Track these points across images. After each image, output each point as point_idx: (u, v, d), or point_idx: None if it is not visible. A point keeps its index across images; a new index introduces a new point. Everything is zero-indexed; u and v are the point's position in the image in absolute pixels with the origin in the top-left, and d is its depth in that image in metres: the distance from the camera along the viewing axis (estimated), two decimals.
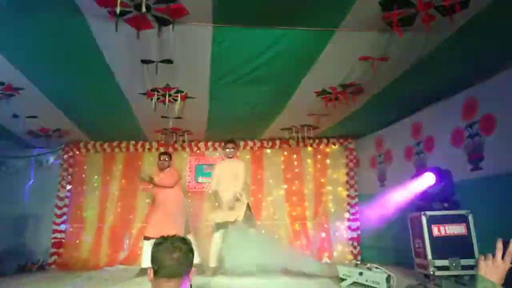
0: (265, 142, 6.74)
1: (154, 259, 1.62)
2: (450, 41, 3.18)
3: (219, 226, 4.93)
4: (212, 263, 4.85)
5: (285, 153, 6.83)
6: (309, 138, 6.35)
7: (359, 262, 4.79)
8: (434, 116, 4.72)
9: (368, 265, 3.96)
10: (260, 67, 3.65)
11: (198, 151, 6.78)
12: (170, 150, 6.43)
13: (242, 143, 6.65)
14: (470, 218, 3.66)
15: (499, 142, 3.71)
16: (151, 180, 5.26)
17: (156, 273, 1.60)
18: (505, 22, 2.92)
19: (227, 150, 5.28)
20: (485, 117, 3.89)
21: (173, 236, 1.69)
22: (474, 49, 3.38)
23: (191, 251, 1.67)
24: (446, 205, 3.84)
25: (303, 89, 4.28)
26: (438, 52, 3.38)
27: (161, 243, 1.64)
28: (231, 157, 5.29)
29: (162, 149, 6.36)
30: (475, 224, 3.62)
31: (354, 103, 4.66)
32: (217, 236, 4.92)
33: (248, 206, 5.05)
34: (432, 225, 3.71)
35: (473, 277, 3.46)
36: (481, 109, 3.94)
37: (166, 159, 5.51)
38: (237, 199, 4.96)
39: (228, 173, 5.16)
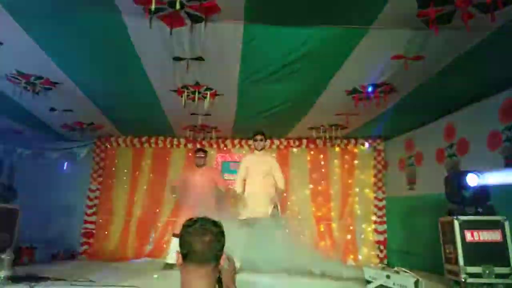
0: (291, 141, 6.72)
1: (183, 243, 1.49)
2: (489, 39, 3.05)
3: (244, 223, 4.83)
4: (237, 261, 4.84)
5: (312, 152, 6.78)
6: (336, 138, 6.27)
7: (385, 266, 4.69)
8: (469, 118, 4.55)
9: (396, 268, 3.87)
10: (290, 65, 3.63)
11: (225, 148, 6.84)
12: (205, 146, 6.46)
13: (268, 142, 6.64)
14: (507, 224, 3.51)
15: None
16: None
17: (185, 258, 1.48)
18: None
19: (256, 142, 5.07)
20: None
21: (203, 218, 1.55)
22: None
23: (222, 234, 1.54)
24: (480, 210, 3.70)
25: (332, 87, 4.23)
26: (475, 51, 3.24)
27: (191, 225, 1.51)
28: (260, 150, 5.10)
29: (198, 146, 6.41)
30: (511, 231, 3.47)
31: (385, 103, 4.56)
32: (242, 233, 4.88)
33: (276, 205, 4.98)
34: (465, 230, 3.59)
35: (508, 286, 3.34)
36: None
37: (202, 156, 5.52)
38: (274, 206, 4.85)
39: (257, 168, 5.01)
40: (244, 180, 5.16)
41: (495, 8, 2.59)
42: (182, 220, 5.06)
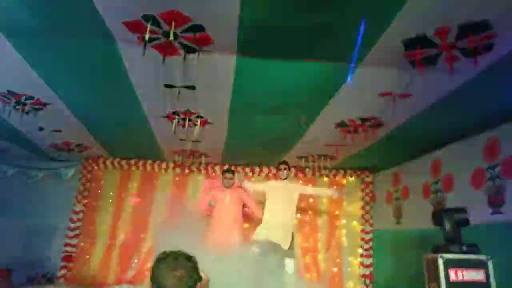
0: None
1: (153, 277, 1.45)
2: (473, 81, 3.15)
3: (257, 245, 4.65)
4: None
5: (300, 182, 6.77)
6: (325, 168, 6.30)
7: None
8: (454, 155, 4.63)
9: None
10: (280, 97, 3.70)
11: (214, 174, 6.80)
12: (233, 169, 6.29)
13: (257, 169, 6.65)
14: (490, 264, 3.50)
15: None
16: None
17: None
18: None
19: (280, 171, 5.19)
20: (507, 160, 3.80)
21: (177, 251, 1.51)
22: (497, 90, 3.34)
23: (195, 270, 1.49)
24: (464, 248, 3.70)
25: (322, 120, 4.29)
26: (460, 91, 3.34)
27: (163, 259, 1.47)
28: (284, 179, 5.17)
29: (225, 167, 6.39)
30: (494, 271, 3.46)
31: (373, 137, 4.63)
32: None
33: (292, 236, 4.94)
34: (449, 269, 3.56)
35: None
36: (503, 151, 3.85)
37: (231, 177, 5.46)
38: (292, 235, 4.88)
39: (279, 195, 5.01)
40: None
41: (478, 53, 2.69)
42: (210, 241, 4.86)
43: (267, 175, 6.74)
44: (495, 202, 3.88)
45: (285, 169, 5.17)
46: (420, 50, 2.75)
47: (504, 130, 3.87)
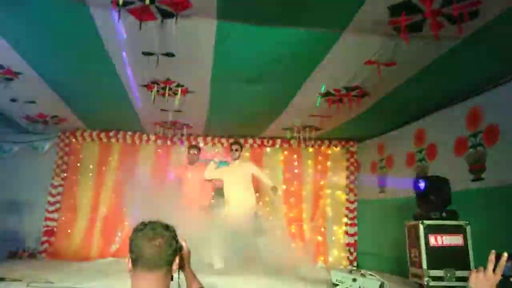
0: (265, 141, 6.67)
1: (132, 247, 1.45)
2: (457, 49, 3.12)
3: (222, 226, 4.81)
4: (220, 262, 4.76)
5: (286, 152, 6.77)
6: (310, 139, 6.28)
7: (354, 268, 4.74)
8: (438, 123, 4.65)
9: (362, 271, 3.90)
10: (263, 66, 3.59)
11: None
12: (199, 144, 6.44)
13: (242, 140, 6.59)
14: (468, 229, 3.60)
15: (502, 154, 3.65)
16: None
17: (135, 263, 1.44)
18: None
19: (232, 152, 5.30)
20: (489, 127, 3.83)
21: (155, 221, 1.51)
22: (481, 58, 3.32)
23: (174, 238, 1.51)
24: (444, 214, 3.78)
25: (306, 89, 4.21)
26: (445, 60, 3.31)
27: (141, 229, 1.47)
28: (236, 159, 5.30)
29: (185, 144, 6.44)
30: (473, 236, 3.56)
31: (358, 106, 4.60)
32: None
33: (258, 217, 5.03)
34: (429, 235, 3.66)
35: None
36: (486, 119, 3.87)
37: (196, 153, 5.53)
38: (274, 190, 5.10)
39: (235, 176, 5.16)
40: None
41: (462, 20, 2.62)
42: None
43: (251, 145, 6.68)
44: (476, 169, 3.94)
45: (236, 150, 5.31)
46: (405, 17, 2.67)
47: (487, 98, 3.89)
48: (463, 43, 3.02)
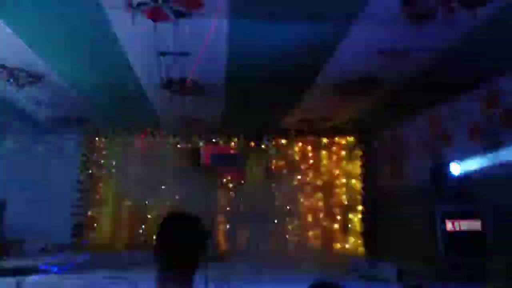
0: (280, 133, 6.72)
1: (159, 238, 1.40)
2: (471, 35, 3.09)
3: None
4: None
5: (300, 144, 6.82)
6: (325, 129, 6.31)
7: (370, 255, 4.79)
8: (453, 110, 4.62)
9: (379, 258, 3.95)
10: (277, 60, 3.63)
11: (213, 141, 6.82)
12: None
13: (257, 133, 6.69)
14: (487, 214, 3.61)
15: None
16: None
17: (160, 252, 1.39)
18: None
19: None
20: (506, 110, 3.80)
21: (181, 212, 1.48)
22: (495, 44, 3.28)
23: (202, 228, 1.45)
24: (462, 200, 3.79)
25: (320, 81, 4.24)
26: (459, 46, 3.29)
27: (168, 220, 1.43)
28: None
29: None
30: (492, 220, 3.56)
31: (372, 96, 4.60)
32: None
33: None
34: (446, 220, 3.68)
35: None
36: (501, 105, 3.84)
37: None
38: None
39: None
40: None
41: (477, 4, 2.61)
42: None
43: (267, 138, 6.74)
44: (492, 153, 3.91)
45: None
46: (419, 3, 2.67)
47: (502, 84, 3.85)
48: (476, 29, 2.98)
